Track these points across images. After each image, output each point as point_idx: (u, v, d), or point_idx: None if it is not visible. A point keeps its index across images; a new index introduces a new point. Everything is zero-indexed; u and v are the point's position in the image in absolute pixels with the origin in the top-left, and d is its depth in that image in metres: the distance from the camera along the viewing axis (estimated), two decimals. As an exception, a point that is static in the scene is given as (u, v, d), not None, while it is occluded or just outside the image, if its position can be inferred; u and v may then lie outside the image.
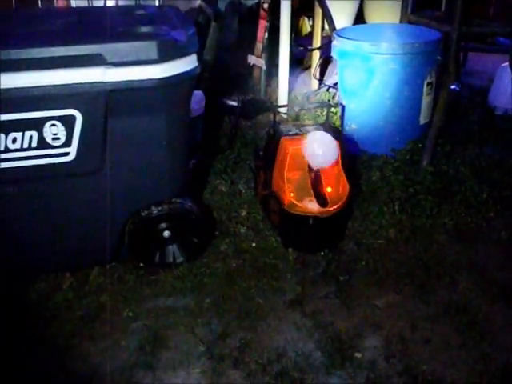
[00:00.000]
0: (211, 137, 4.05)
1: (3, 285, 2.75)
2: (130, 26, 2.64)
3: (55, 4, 5.74)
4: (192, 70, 2.58)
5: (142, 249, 2.93)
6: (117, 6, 4.68)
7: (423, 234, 3.26)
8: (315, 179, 2.97)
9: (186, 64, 2.55)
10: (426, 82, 3.92)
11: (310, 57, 5.06)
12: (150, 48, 2.43)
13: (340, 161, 3.01)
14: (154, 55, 2.43)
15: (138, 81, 2.44)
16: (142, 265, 2.96)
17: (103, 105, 2.46)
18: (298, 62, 5.56)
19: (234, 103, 4.43)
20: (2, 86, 2.32)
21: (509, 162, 3.91)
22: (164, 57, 2.45)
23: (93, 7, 4.83)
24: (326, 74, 4.97)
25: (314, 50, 5.04)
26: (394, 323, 2.65)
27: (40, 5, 5.69)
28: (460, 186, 3.61)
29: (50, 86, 2.37)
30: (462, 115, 4.64)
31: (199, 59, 2.64)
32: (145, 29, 2.60)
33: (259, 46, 4.62)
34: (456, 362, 2.45)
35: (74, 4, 5.75)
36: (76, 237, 2.81)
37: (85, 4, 5.61)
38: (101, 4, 5.33)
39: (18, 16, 3.07)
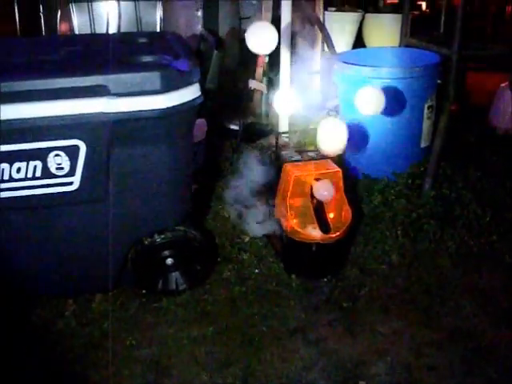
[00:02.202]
0: (213, 161, 4.06)
1: (6, 310, 2.74)
2: (133, 56, 2.66)
3: (58, 28, 5.80)
4: (195, 100, 2.60)
5: (144, 276, 2.93)
6: (119, 34, 4.72)
7: (426, 259, 3.25)
8: (318, 206, 2.98)
9: (189, 94, 2.56)
10: (426, 106, 3.93)
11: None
12: (153, 79, 2.45)
13: (342, 186, 3.02)
14: (157, 86, 2.45)
15: (142, 111, 2.46)
16: (144, 292, 2.96)
17: (107, 135, 2.47)
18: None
19: (236, 127, 4.45)
20: (7, 117, 2.35)
21: (511, 184, 3.91)
22: (167, 87, 2.47)
23: (95, 35, 4.87)
24: (327, 96, 4.99)
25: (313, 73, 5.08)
26: (399, 350, 2.64)
27: (44, 30, 5.76)
28: (462, 209, 3.61)
29: (54, 116, 2.39)
30: (463, 136, 4.65)
31: (202, 88, 2.67)
32: (148, 58, 2.62)
33: (260, 70, 4.66)
34: (462, 390, 2.43)
35: (76, 28, 5.82)
36: (79, 264, 2.81)
37: (87, 28, 5.68)
38: (103, 27, 5.40)
39: (22, 44, 3.10)
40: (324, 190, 2.91)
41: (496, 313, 2.86)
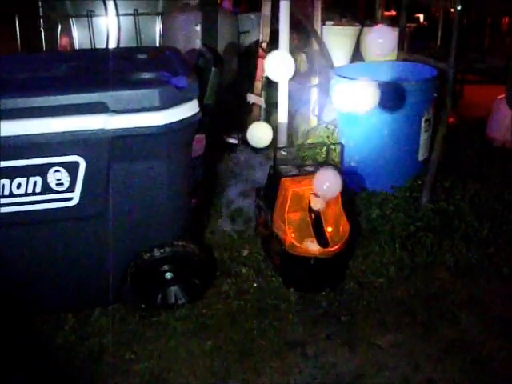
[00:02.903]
0: (211, 175, 4.08)
1: (5, 324, 2.75)
2: (132, 73, 2.68)
3: (58, 43, 5.84)
4: (193, 116, 2.63)
5: (144, 290, 2.94)
6: (118, 49, 4.76)
7: (424, 272, 3.27)
8: (316, 220, 3.00)
9: (187, 110, 2.60)
10: (423, 119, 3.96)
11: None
12: (151, 96, 2.48)
13: (340, 200, 3.04)
14: (156, 102, 2.49)
15: (140, 128, 2.49)
16: (144, 306, 2.96)
17: (106, 151, 2.50)
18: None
19: (234, 141, 4.47)
20: (8, 134, 2.38)
21: (508, 196, 3.92)
22: (166, 104, 2.51)
23: (95, 50, 4.91)
24: (325, 110, 5.02)
25: (311, 87, 5.10)
26: (397, 363, 2.65)
27: (44, 45, 5.80)
28: (460, 222, 3.63)
29: (54, 133, 2.43)
30: (461, 148, 4.68)
31: (200, 104, 2.69)
32: (147, 75, 2.65)
33: (258, 84, 4.68)
34: (460, 403, 2.44)
35: (76, 43, 5.86)
36: (79, 278, 2.83)
37: (87, 42, 5.73)
38: (103, 42, 5.44)
39: (23, 61, 3.12)
40: (326, 182, 2.90)
41: (494, 325, 2.88)
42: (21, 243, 2.66)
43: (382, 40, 3.17)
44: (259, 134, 3.35)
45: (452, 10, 5.05)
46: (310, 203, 2.99)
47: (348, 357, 2.69)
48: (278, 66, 3.04)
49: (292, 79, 4.14)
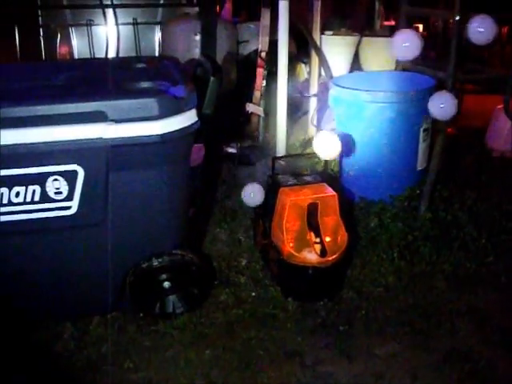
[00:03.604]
0: (210, 185, 4.09)
1: (4, 332, 2.75)
2: (131, 82, 2.69)
3: (58, 52, 5.88)
4: (192, 126, 2.64)
5: (142, 299, 2.93)
6: (118, 58, 4.78)
7: (422, 281, 3.26)
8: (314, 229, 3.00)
9: (185, 120, 2.60)
10: (422, 129, 3.97)
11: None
12: (150, 105, 2.48)
13: (338, 210, 3.04)
14: (155, 112, 2.49)
15: (139, 137, 2.49)
16: (142, 315, 2.96)
17: (105, 160, 2.51)
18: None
19: (233, 150, 4.48)
20: (7, 142, 2.38)
21: (507, 206, 3.93)
22: (164, 113, 2.51)
23: (94, 60, 4.93)
24: (324, 119, 5.03)
25: (311, 96, 5.12)
26: (395, 373, 2.64)
27: (44, 54, 5.84)
28: (458, 231, 3.63)
29: (53, 142, 2.43)
30: (459, 158, 4.69)
31: (199, 114, 2.70)
32: (145, 84, 2.66)
33: (257, 93, 4.70)
34: (458, 413, 2.44)
35: (76, 51, 5.89)
36: (77, 287, 2.82)
37: (86, 51, 5.75)
38: (102, 51, 5.46)
39: (22, 70, 3.14)
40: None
41: (492, 334, 2.87)
42: (19, 252, 2.65)
43: (408, 44, 3.10)
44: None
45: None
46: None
47: (346, 366, 2.69)
48: (326, 145, 3.12)
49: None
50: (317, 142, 3.19)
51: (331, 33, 5.60)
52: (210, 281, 3.16)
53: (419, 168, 4.09)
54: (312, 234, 3.02)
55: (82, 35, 5.79)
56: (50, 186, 2.51)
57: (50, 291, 2.80)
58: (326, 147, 3.17)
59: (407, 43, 3.11)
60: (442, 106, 3.30)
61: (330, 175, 3.63)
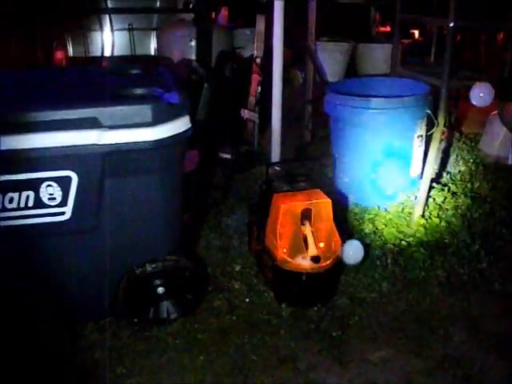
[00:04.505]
0: (204, 190, 4.10)
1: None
2: (125, 88, 2.70)
3: (54, 57, 5.89)
4: (185, 132, 2.65)
5: (136, 305, 2.93)
6: (112, 64, 4.79)
7: (416, 287, 3.26)
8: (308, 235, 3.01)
9: (179, 126, 2.61)
10: (416, 135, 3.99)
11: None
12: (144, 112, 2.50)
13: (332, 216, 3.05)
14: (149, 118, 2.50)
15: (133, 143, 2.50)
16: (136, 321, 2.95)
17: (98, 166, 2.51)
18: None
19: (228, 156, 4.49)
20: (1, 148, 2.38)
21: (500, 212, 3.94)
22: (158, 119, 2.52)
23: (89, 66, 4.94)
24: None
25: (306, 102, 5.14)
26: (389, 379, 2.65)
27: (39, 59, 5.84)
28: (452, 237, 3.65)
29: (47, 148, 2.43)
30: (453, 164, 4.70)
31: (192, 120, 2.71)
32: (139, 91, 2.67)
33: (252, 99, 4.71)
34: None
35: (71, 54, 5.90)
36: (71, 293, 2.83)
37: (81, 55, 5.77)
38: (97, 54, 5.48)
39: (17, 77, 3.14)
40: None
41: (486, 340, 2.88)
42: (12, 258, 2.65)
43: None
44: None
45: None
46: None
47: (339, 372, 2.69)
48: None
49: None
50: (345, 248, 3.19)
51: (326, 39, 5.63)
52: (203, 286, 3.16)
53: (413, 174, 4.11)
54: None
55: (77, 41, 5.81)
56: (44, 192, 2.51)
57: (43, 297, 2.79)
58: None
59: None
60: (481, 95, 3.85)
61: (325, 181, 3.63)
